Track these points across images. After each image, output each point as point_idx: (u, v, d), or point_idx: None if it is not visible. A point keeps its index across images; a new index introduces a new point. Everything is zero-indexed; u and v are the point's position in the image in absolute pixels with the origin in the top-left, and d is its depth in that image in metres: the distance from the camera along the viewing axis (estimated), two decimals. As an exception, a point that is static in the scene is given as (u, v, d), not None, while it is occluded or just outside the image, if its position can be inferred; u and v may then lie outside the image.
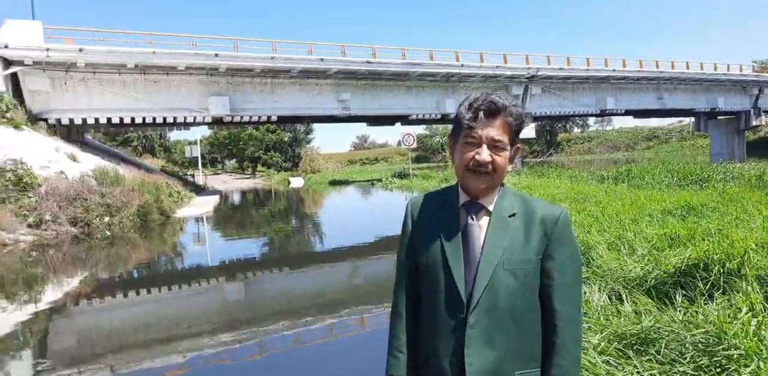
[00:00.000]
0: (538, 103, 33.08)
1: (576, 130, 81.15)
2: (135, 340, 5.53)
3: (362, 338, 5.14)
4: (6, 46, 18.58)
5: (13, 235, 11.62)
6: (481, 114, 1.32)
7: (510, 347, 1.30)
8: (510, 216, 1.35)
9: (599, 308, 3.51)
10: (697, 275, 3.67)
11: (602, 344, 2.77)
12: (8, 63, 19.19)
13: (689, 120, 56.65)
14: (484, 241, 1.33)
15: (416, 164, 31.16)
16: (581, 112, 36.40)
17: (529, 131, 33.23)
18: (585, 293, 3.89)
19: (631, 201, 8.34)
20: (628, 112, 37.47)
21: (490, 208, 1.37)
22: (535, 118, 34.40)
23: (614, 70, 33.25)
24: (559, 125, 73.85)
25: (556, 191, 11.18)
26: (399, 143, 38.40)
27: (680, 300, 3.37)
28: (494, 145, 1.32)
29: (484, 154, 1.30)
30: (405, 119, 30.01)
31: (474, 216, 1.36)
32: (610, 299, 3.71)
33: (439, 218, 1.40)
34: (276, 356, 4.85)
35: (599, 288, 3.92)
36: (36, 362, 4.97)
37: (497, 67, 29.53)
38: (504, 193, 1.40)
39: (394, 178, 31.06)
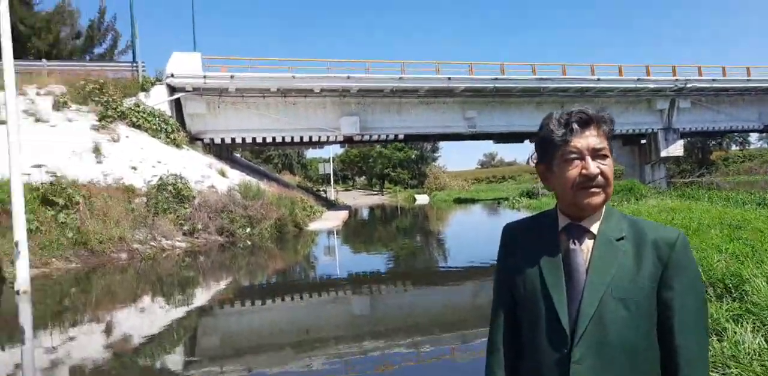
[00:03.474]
0: (688, 118, 30.21)
1: (734, 147, 72.48)
2: (269, 343, 5.95)
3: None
4: (172, 75, 21.36)
5: (171, 241, 13.17)
6: (575, 125, 1.23)
7: None
8: (618, 240, 1.23)
9: (752, 352, 3.09)
10: None
11: (754, 393, 2.43)
12: (173, 90, 21.99)
13: None
14: (588, 267, 1.21)
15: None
16: (740, 128, 32.58)
17: (676, 149, 30.39)
18: (735, 333, 3.46)
19: (799, 229, 7.26)
20: (799, 127, 32.74)
21: (594, 231, 1.25)
22: (684, 135, 31.39)
23: (782, 78, 29.35)
24: (713, 142, 66.56)
25: (704, 215, 10.08)
26: (528, 161, 37.29)
27: None
28: (597, 155, 1.22)
29: (592, 166, 1.20)
30: (535, 136, 29.05)
31: (576, 240, 1.25)
32: (768, 341, 3.26)
33: (536, 243, 1.30)
34: (392, 372, 4.92)
35: (753, 328, 3.46)
36: (186, 357, 5.56)
37: (638, 79, 27.58)
38: (609, 214, 1.27)
39: (522, 198, 30.13)
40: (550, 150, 1.27)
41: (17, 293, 8.22)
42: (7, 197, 9.32)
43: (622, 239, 1.23)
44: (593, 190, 1.21)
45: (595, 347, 1.17)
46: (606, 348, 1.17)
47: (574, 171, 1.22)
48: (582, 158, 1.22)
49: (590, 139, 1.22)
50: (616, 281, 1.19)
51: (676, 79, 28.07)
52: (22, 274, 8.35)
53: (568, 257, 1.24)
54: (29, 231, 9.19)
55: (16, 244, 8.46)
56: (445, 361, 5.20)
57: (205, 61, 22.70)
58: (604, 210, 1.27)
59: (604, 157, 1.22)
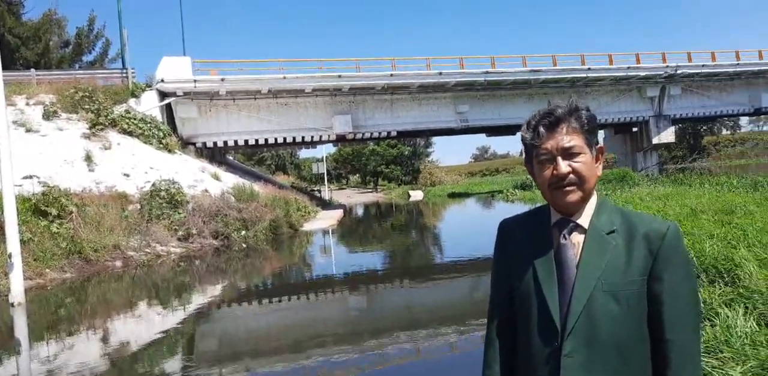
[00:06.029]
0: (679, 105, 30.35)
1: (725, 132, 72.80)
2: (267, 344, 5.94)
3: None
4: (162, 81, 21.23)
5: (165, 247, 13.12)
6: (541, 129, 1.24)
7: None
8: (609, 233, 1.22)
9: (744, 335, 3.10)
10: None
11: (744, 377, 2.44)
12: (164, 95, 21.88)
13: None
14: (579, 261, 1.21)
15: (540, 175, 30.25)
16: (730, 113, 32.73)
17: (667, 135, 30.51)
18: (728, 317, 3.47)
19: (791, 212, 7.30)
20: (789, 110, 32.85)
21: (585, 225, 1.24)
22: (675, 121, 31.51)
23: (771, 62, 29.41)
24: (704, 128, 66.81)
25: (696, 200, 10.11)
26: (521, 153, 37.36)
27: None
28: (568, 153, 1.22)
29: (561, 166, 1.21)
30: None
31: (567, 235, 1.25)
32: (759, 325, 3.27)
33: (530, 239, 1.31)
34: (391, 369, 4.92)
35: (746, 312, 3.47)
36: (184, 361, 5.54)
37: (629, 68, 27.64)
38: (601, 207, 1.27)
39: (516, 190, 30.14)
40: (528, 152, 1.30)
41: (11, 305, 8.17)
42: (-2, 208, 9.24)
43: (613, 232, 1.22)
44: (567, 188, 1.22)
45: (586, 342, 1.17)
46: (596, 343, 1.17)
47: (547, 172, 1.24)
48: (553, 159, 1.23)
49: (560, 138, 1.22)
50: (606, 276, 1.18)
51: (666, 66, 28.14)
52: (16, 286, 8.30)
53: (559, 252, 1.25)
54: (22, 242, 9.13)
55: (9, 256, 8.40)
56: (445, 356, 5.20)
57: (195, 65, 22.57)
58: (596, 203, 1.27)
59: (577, 154, 1.22)
